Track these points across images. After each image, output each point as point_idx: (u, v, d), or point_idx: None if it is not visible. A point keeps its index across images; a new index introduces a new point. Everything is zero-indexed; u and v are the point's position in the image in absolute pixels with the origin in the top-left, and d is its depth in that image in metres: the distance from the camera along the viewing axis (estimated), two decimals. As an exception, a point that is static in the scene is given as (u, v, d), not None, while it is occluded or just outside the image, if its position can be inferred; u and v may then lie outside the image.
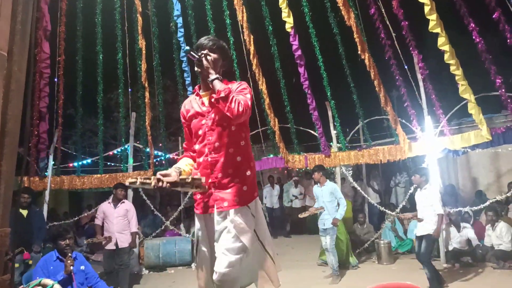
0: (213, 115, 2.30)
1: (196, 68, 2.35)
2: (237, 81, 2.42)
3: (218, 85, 2.18)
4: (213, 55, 2.32)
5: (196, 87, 2.49)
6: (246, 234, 2.21)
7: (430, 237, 5.18)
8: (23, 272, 5.07)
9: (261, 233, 2.36)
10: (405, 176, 10.48)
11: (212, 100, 2.23)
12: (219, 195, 2.24)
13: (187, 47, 2.31)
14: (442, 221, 5.18)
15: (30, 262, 5.44)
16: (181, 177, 2.12)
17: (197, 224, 2.41)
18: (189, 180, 2.10)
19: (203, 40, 2.40)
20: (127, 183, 2.02)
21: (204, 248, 2.35)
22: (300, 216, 6.43)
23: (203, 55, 2.28)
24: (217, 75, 2.24)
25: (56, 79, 8.17)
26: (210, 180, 2.27)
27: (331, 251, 6.03)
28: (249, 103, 2.18)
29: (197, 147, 2.35)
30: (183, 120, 2.49)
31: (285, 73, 8.03)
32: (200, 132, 2.34)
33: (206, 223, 2.35)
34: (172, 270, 7.65)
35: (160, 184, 2.02)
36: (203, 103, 2.36)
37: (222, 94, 2.12)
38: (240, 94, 2.20)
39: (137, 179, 2.00)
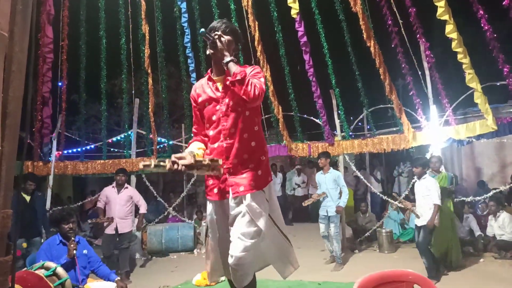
0: (227, 100, 2.28)
1: (208, 51, 2.31)
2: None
3: (234, 67, 2.16)
4: (226, 37, 2.28)
5: (209, 70, 2.45)
6: (261, 219, 2.22)
7: (426, 227, 5.19)
8: (24, 255, 5.14)
9: (276, 217, 2.39)
10: (408, 166, 10.45)
11: (228, 83, 2.21)
12: (234, 181, 2.25)
13: (202, 29, 2.26)
14: (437, 211, 5.16)
15: (25, 245, 5.51)
16: (197, 159, 2.07)
17: (209, 210, 2.41)
18: (206, 162, 2.06)
19: (216, 23, 2.37)
20: (141, 166, 1.96)
21: (214, 233, 2.37)
22: (304, 204, 6.45)
23: (217, 37, 2.24)
24: (232, 58, 2.21)
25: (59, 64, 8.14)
26: (225, 166, 2.26)
27: (335, 238, 6.04)
28: (264, 87, 2.17)
29: (211, 133, 2.33)
30: (193, 104, 2.46)
31: (289, 60, 7.96)
32: (214, 118, 2.32)
33: (219, 208, 2.35)
34: (175, 255, 7.72)
35: (176, 167, 1.97)
36: (217, 88, 2.33)
37: (238, 77, 2.09)
38: (254, 78, 2.18)
39: (151, 162, 1.94)
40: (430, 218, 5.10)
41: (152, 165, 1.93)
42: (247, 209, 2.20)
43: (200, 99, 2.39)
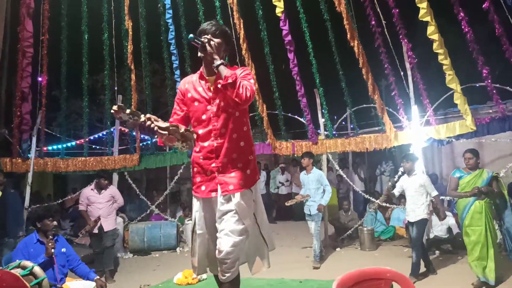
0: (218, 101, 2.33)
1: (199, 54, 2.34)
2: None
3: (225, 71, 2.19)
4: (216, 40, 2.33)
5: (201, 68, 2.46)
6: (248, 217, 2.32)
7: (420, 223, 5.29)
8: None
9: (259, 217, 2.47)
10: (390, 165, 10.60)
11: (219, 86, 2.24)
12: (223, 179, 2.32)
13: (191, 35, 2.29)
14: (439, 201, 5.49)
15: None
16: (173, 124, 2.14)
17: (196, 207, 2.46)
18: (181, 130, 2.12)
19: (206, 25, 2.40)
20: (114, 108, 2.00)
21: (200, 231, 2.43)
22: (287, 204, 6.52)
23: (206, 41, 2.27)
24: (222, 61, 2.25)
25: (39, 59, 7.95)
26: (214, 165, 2.33)
27: (315, 236, 6.12)
28: (254, 88, 2.23)
29: (200, 131, 2.38)
30: (179, 96, 2.48)
31: (274, 59, 7.97)
32: (204, 117, 2.36)
33: (206, 205, 2.41)
34: (157, 254, 7.65)
35: (149, 123, 2.03)
36: (209, 88, 2.37)
37: (230, 80, 2.13)
38: (244, 80, 2.22)
39: (125, 109, 1.99)
40: (441, 210, 5.49)
41: (127, 111, 1.97)
42: (236, 207, 2.27)
43: (189, 95, 2.43)
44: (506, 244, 5.06)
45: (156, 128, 2.05)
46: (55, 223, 3.90)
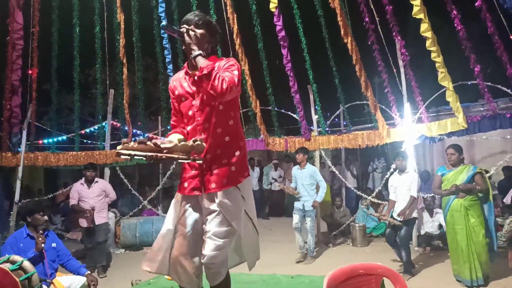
0: (201, 95, 2.21)
1: (182, 44, 2.25)
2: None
3: (201, 61, 2.09)
4: (199, 31, 2.21)
5: (185, 63, 2.37)
6: (235, 217, 2.17)
7: (410, 221, 5.33)
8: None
9: (251, 212, 2.35)
10: (382, 161, 10.66)
11: (196, 78, 2.15)
12: (207, 177, 2.19)
13: (163, 23, 2.20)
14: (412, 203, 5.27)
15: None
16: (182, 143, 1.99)
17: (174, 200, 2.34)
18: (189, 144, 1.96)
19: (189, 15, 2.28)
20: (118, 148, 1.88)
21: (169, 227, 2.29)
22: (278, 185, 6.69)
23: (184, 30, 2.17)
24: (200, 51, 2.13)
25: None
26: (199, 162, 2.16)
27: (310, 232, 6.15)
28: (236, 79, 2.08)
29: (188, 128, 2.28)
30: (171, 96, 2.39)
31: (268, 54, 7.94)
32: (190, 113, 2.25)
33: (188, 203, 2.27)
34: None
35: (159, 156, 1.89)
36: (193, 83, 2.26)
37: (205, 71, 2.02)
38: (226, 71, 2.10)
39: (130, 153, 1.86)
40: (403, 208, 5.22)
41: (135, 144, 1.86)
42: (219, 207, 2.15)
43: (176, 92, 2.34)
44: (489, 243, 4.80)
45: (164, 157, 1.91)
46: (45, 217, 3.86)
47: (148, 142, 1.89)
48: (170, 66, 8.27)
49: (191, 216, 2.25)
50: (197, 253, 2.22)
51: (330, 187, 10.16)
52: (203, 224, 2.22)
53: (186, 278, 2.26)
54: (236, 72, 2.12)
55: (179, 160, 1.98)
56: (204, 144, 2.06)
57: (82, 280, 3.75)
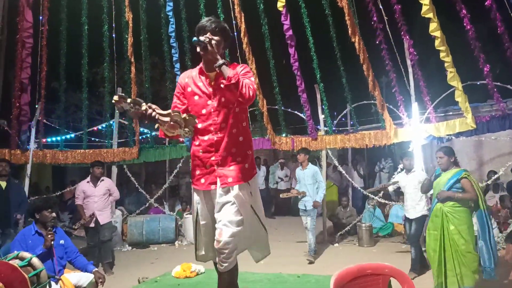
0: (219, 96, 2.38)
1: (199, 51, 2.35)
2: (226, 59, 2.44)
3: (228, 71, 2.22)
4: (216, 38, 2.34)
5: (201, 64, 2.49)
6: (245, 209, 2.38)
7: (419, 219, 5.31)
8: (0, 245, 5.01)
9: (257, 207, 2.53)
10: (389, 161, 10.60)
11: (222, 86, 2.28)
12: (223, 172, 2.39)
13: (195, 38, 2.31)
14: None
15: None
16: (175, 110, 2.19)
17: (197, 199, 2.52)
18: (183, 116, 2.16)
19: (205, 22, 2.40)
20: (115, 98, 2.00)
21: (204, 221, 2.50)
22: (282, 196, 6.64)
23: (207, 41, 2.28)
24: (224, 60, 2.26)
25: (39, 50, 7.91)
26: (213, 158, 2.39)
27: (311, 231, 6.20)
28: (255, 86, 2.30)
29: (200, 125, 2.41)
30: (179, 90, 2.52)
31: (275, 54, 7.93)
32: (204, 111, 2.41)
33: (206, 197, 2.48)
34: (155, 247, 7.67)
35: (150, 111, 2.08)
36: (209, 84, 2.41)
37: (233, 81, 2.17)
38: (245, 78, 2.27)
39: (126, 98, 2.01)
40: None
41: (128, 100, 1.99)
42: (234, 199, 2.34)
43: (189, 89, 2.47)
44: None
45: (157, 116, 2.08)
46: (53, 214, 3.88)
47: (143, 104, 2.06)
48: (177, 65, 8.28)
49: (212, 209, 2.46)
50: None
51: (338, 187, 10.16)
52: (214, 215, 2.42)
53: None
54: (253, 79, 2.33)
55: (171, 122, 2.14)
56: (196, 120, 2.26)
57: (90, 276, 3.78)
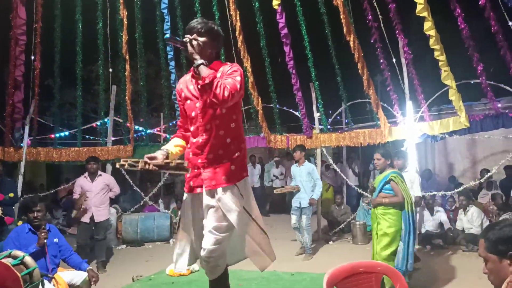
0: (205, 97, 2.31)
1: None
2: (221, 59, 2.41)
3: (203, 70, 2.17)
4: (201, 39, 2.30)
5: (192, 68, 2.44)
6: (233, 213, 2.28)
7: None
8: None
9: (253, 212, 2.45)
10: (384, 160, 10.62)
11: (198, 87, 2.25)
12: (208, 175, 2.32)
13: (167, 35, 2.33)
14: (419, 203, 5.32)
15: (20, 223, 5.37)
16: (166, 160, 2.18)
17: (184, 201, 2.52)
18: (173, 164, 2.18)
19: (192, 23, 2.37)
20: (117, 166, 2.15)
21: (188, 224, 2.47)
22: (276, 192, 6.67)
23: (187, 41, 2.25)
24: (202, 60, 2.21)
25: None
26: (199, 160, 2.34)
27: (306, 229, 6.20)
28: (238, 85, 2.19)
29: (191, 128, 2.41)
30: (178, 98, 2.53)
31: (270, 52, 7.93)
32: (193, 114, 2.39)
33: (193, 201, 2.44)
34: (150, 245, 7.66)
35: (147, 166, 2.11)
36: (197, 83, 2.34)
37: (207, 81, 2.12)
38: (229, 77, 2.21)
39: (126, 162, 2.12)
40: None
41: (126, 165, 2.12)
42: (219, 203, 2.27)
43: (183, 94, 2.46)
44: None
45: (153, 168, 2.13)
46: (35, 214, 3.80)
47: (140, 160, 2.15)
48: (172, 63, 8.26)
49: (198, 213, 2.41)
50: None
51: (333, 187, 10.18)
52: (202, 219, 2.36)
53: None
54: (238, 78, 2.23)
55: (166, 171, 2.30)
56: (186, 163, 2.24)
57: (83, 275, 3.77)
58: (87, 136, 11.69)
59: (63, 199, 10.36)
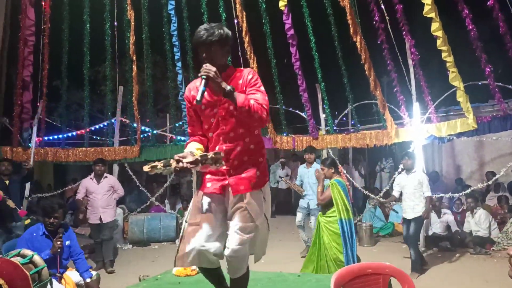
0: (226, 105, 2.26)
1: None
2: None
3: (237, 98, 2.13)
4: (213, 54, 2.22)
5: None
6: (258, 216, 2.32)
7: (418, 220, 5.34)
8: (5, 241, 5.02)
9: (268, 212, 2.48)
10: (390, 161, 10.60)
11: (236, 113, 2.21)
12: (234, 180, 2.31)
13: (197, 99, 2.15)
14: (430, 202, 5.41)
15: (27, 221, 5.43)
16: (201, 154, 2.13)
17: (205, 201, 2.39)
18: (210, 156, 2.12)
19: (200, 34, 2.24)
20: (145, 169, 1.97)
21: (195, 220, 2.36)
22: (283, 180, 6.95)
23: (204, 76, 2.14)
24: (229, 87, 2.14)
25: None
26: (225, 167, 2.31)
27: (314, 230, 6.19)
28: (266, 98, 2.22)
29: (210, 134, 2.36)
30: (188, 105, 2.44)
31: (276, 53, 7.93)
32: (212, 120, 2.32)
33: (213, 202, 2.36)
34: (156, 245, 7.69)
35: (181, 164, 2.02)
36: (213, 92, 2.27)
37: (246, 109, 2.13)
38: (255, 90, 2.22)
39: (157, 165, 1.98)
40: (425, 209, 5.32)
41: (159, 166, 1.98)
42: (246, 206, 2.28)
43: (195, 101, 2.36)
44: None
45: (188, 166, 2.04)
46: (52, 220, 3.78)
47: (171, 161, 2.03)
48: (179, 64, 8.29)
49: (215, 211, 2.35)
50: (218, 242, 2.31)
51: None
52: (224, 220, 2.35)
53: (208, 262, 2.36)
54: (262, 88, 2.26)
55: (201, 169, 2.18)
56: (222, 153, 2.20)
57: (92, 273, 3.80)
58: (94, 137, 11.75)
59: (70, 199, 10.42)
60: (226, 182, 2.32)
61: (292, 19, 7.32)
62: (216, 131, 2.32)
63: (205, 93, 2.25)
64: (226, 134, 2.29)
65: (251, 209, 2.28)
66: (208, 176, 2.41)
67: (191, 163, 2.04)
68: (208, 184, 2.37)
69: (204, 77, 2.14)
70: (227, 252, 2.26)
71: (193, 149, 2.31)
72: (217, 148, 2.33)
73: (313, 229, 6.17)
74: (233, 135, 2.29)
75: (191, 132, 2.47)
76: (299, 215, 6.33)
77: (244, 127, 2.29)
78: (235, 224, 2.27)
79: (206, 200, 2.40)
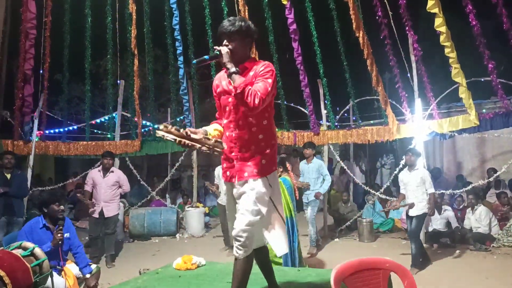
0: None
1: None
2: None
3: (235, 80, 2.26)
4: (232, 43, 2.38)
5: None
6: (262, 200, 2.44)
7: (421, 216, 5.36)
8: (7, 233, 5.04)
9: (276, 200, 2.59)
10: (391, 158, 10.59)
11: (232, 95, 2.34)
12: (240, 167, 2.46)
13: (194, 61, 2.42)
14: (434, 199, 5.44)
15: None
16: (206, 137, 2.29)
17: (224, 189, 2.78)
18: (211, 141, 2.27)
19: (221, 28, 2.42)
20: (160, 127, 2.18)
21: (228, 211, 2.65)
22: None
23: (217, 53, 2.33)
24: (234, 69, 2.29)
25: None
26: (233, 154, 2.47)
27: (311, 222, 6.29)
28: (269, 88, 2.29)
29: (224, 121, 2.52)
30: (215, 93, 2.63)
31: (278, 48, 7.90)
32: (227, 109, 2.49)
33: (229, 189, 2.60)
34: (157, 239, 7.71)
35: (183, 140, 2.20)
36: (230, 82, 2.42)
37: (238, 91, 2.22)
38: (260, 80, 2.30)
39: (167, 128, 2.17)
40: (430, 206, 5.34)
41: (173, 128, 2.18)
42: (250, 190, 2.42)
43: (218, 90, 2.56)
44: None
45: (190, 143, 2.20)
46: (62, 207, 3.82)
47: (182, 130, 2.21)
48: (181, 58, 8.26)
49: (234, 200, 2.57)
50: None
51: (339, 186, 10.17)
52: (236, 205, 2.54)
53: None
54: (270, 80, 2.33)
55: (200, 149, 2.29)
56: (225, 145, 2.36)
57: (92, 268, 3.81)
58: (95, 131, 11.76)
59: (71, 193, 10.45)
60: (235, 168, 2.49)
61: (294, 13, 7.28)
62: (229, 118, 2.48)
63: (224, 82, 2.48)
64: (236, 122, 2.45)
65: (254, 193, 2.40)
66: (224, 162, 2.59)
67: (194, 140, 2.21)
68: (227, 173, 2.56)
69: (217, 52, 2.31)
70: (233, 232, 2.42)
71: (211, 129, 2.51)
72: (227, 134, 2.50)
73: (310, 220, 6.28)
74: (242, 123, 2.43)
75: (217, 116, 2.68)
76: (309, 211, 6.35)
77: (252, 117, 2.42)
78: (241, 207, 2.44)
79: (223, 188, 2.61)
